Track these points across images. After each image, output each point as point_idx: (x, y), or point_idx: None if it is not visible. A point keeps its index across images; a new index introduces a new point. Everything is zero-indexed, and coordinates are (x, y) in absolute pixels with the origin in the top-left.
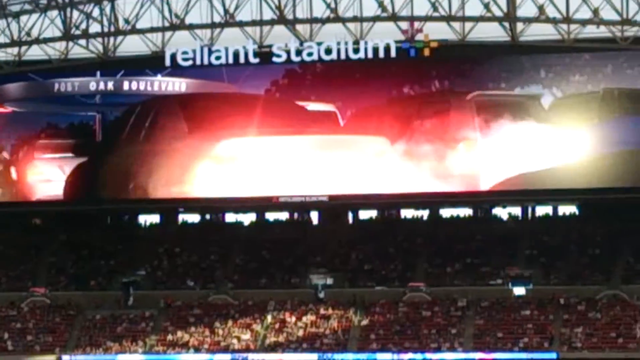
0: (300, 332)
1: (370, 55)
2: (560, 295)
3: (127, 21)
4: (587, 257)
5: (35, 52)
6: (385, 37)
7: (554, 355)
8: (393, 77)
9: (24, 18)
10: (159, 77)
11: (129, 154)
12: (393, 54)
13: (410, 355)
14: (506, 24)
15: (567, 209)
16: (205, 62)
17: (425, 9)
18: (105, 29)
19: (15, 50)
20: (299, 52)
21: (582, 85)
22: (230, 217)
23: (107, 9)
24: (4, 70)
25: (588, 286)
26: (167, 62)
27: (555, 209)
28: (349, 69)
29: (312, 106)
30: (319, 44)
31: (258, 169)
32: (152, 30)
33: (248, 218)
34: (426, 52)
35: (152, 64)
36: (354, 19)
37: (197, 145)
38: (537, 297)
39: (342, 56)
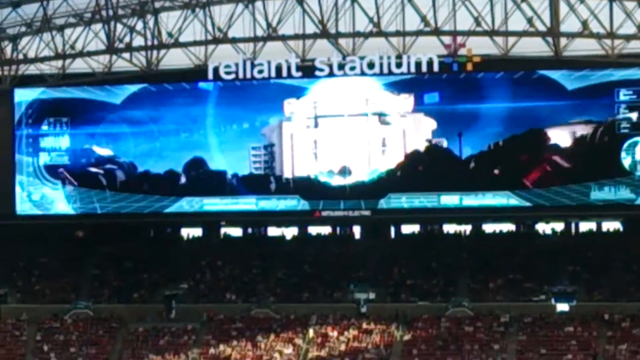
0: (343, 347)
1: (412, 69)
2: (604, 311)
3: (170, 35)
4: (631, 273)
5: (79, 65)
6: (427, 51)
7: None
8: None
9: (68, 31)
10: None
11: None
12: (436, 68)
13: None
14: (549, 39)
15: (611, 225)
16: (248, 75)
17: (468, 24)
18: (149, 43)
19: (59, 63)
20: (341, 66)
21: None
22: (272, 231)
23: (151, 23)
24: (48, 83)
25: (632, 302)
26: (210, 75)
27: (599, 225)
28: None
29: None
30: (362, 58)
31: None
32: (195, 43)
33: (290, 232)
34: (469, 66)
35: (194, 76)
36: (397, 33)
37: None
38: (580, 314)
39: (385, 70)
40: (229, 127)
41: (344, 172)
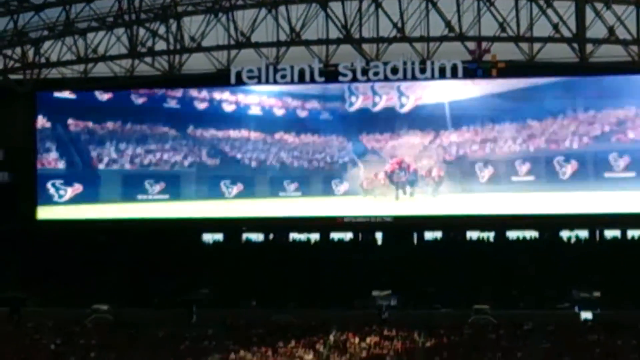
0: (364, 353)
1: (437, 75)
2: (629, 319)
3: (192, 39)
4: None
5: (101, 70)
6: (452, 57)
7: None
8: None
9: (90, 35)
10: None
11: None
12: (460, 74)
13: None
14: (575, 45)
15: (636, 232)
16: (271, 80)
17: (493, 30)
18: (171, 47)
19: (81, 67)
20: (365, 72)
21: None
22: (294, 237)
23: (173, 27)
24: (70, 87)
25: None
26: (232, 80)
27: (623, 232)
28: None
29: None
30: (385, 63)
31: None
32: (218, 48)
33: (312, 238)
34: (494, 72)
35: (217, 81)
36: (421, 38)
37: None
38: (605, 322)
39: (409, 76)
40: None
41: None
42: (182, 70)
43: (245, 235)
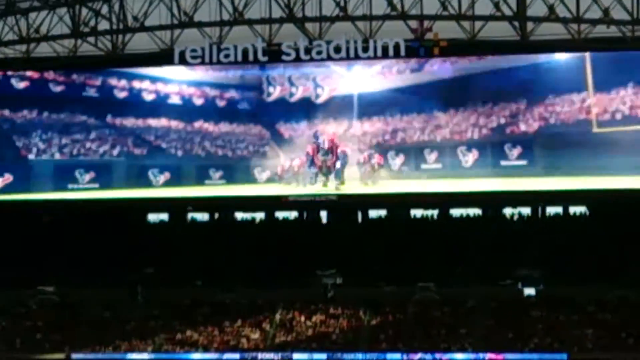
0: (310, 332)
1: (379, 54)
2: (571, 296)
3: (135, 19)
4: (597, 257)
5: (43, 50)
6: (394, 35)
7: (564, 356)
8: None
9: (32, 15)
10: None
11: None
12: (402, 52)
13: (419, 355)
14: (516, 23)
15: (578, 209)
16: (214, 59)
17: (434, 8)
18: (114, 27)
19: (23, 47)
20: (308, 51)
21: None
22: (239, 216)
23: (116, 7)
24: (12, 67)
25: (598, 287)
26: (176, 60)
27: (565, 209)
28: None
29: None
30: (328, 42)
31: None
32: (161, 27)
33: (257, 217)
34: (435, 51)
35: (160, 61)
36: (364, 17)
37: None
38: (547, 298)
39: (352, 55)
40: None
41: None
42: (126, 51)
43: (190, 215)
